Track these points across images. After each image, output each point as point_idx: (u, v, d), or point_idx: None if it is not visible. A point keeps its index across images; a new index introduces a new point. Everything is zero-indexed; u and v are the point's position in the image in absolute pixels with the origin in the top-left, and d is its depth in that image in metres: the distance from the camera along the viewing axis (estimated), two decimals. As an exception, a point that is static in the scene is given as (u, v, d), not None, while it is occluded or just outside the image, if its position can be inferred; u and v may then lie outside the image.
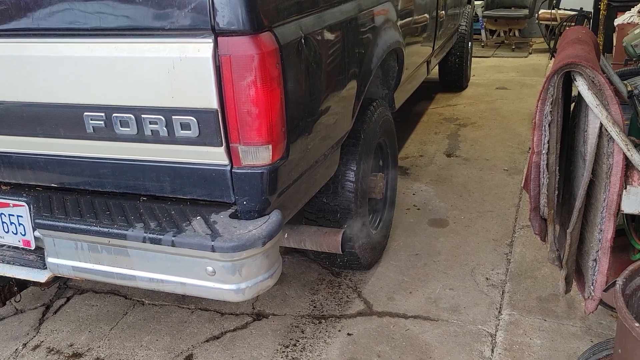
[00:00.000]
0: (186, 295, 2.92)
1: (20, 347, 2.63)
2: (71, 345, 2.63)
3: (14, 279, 2.20)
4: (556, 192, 1.88)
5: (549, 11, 8.00)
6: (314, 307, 2.81)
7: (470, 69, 6.75)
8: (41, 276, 2.03)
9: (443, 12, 4.65)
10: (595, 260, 1.81)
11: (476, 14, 8.43)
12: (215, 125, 1.75)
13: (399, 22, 3.22)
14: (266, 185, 1.83)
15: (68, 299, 2.98)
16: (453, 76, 6.30)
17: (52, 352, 2.59)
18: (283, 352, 2.51)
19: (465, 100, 6.18)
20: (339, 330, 2.63)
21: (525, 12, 8.64)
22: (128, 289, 3.01)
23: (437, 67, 6.02)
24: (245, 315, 2.77)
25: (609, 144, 1.66)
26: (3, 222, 2.11)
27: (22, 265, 2.08)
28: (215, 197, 1.91)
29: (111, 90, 1.81)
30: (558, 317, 2.61)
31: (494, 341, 2.49)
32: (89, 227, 1.87)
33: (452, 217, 3.61)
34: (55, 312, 2.88)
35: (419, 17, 3.83)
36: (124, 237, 1.83)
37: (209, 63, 1.69)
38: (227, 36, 1.68)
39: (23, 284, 2.29)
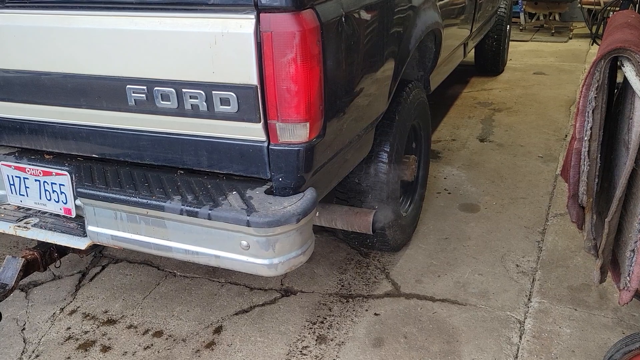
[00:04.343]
0: (216, 269, 2.98)
1: (58, 312, 2.73)
2: (106, 312, 2.71)
3: (55, 245, 2.27)
4: (596, 180, 1.85)
5: (593, -5, 7.74)
6: (342, 286, 2.83)
7: (507, 52, 6.60)
8: (81, 243, 2.10)
9: (482, -7, 4.56)
10: (633, 250, 1.78)
11: (516, -4, 8.22)
12: (254, 102, 1.77)
13: (438, 3, 3.16)
14: (302, 162, 1.85)
15: (103, 268, 3.07)
16: (489, 60, 6.18)
17: (88, 317, 2.68)
18: (310, 328, 2.55)
19: (501, 84, 6.06)
20: (366, 310, 2.65)
21: (567, -5, 8.39)
22: (161, 260, 3.09)
23: (473, 50, 5.92)
24: (274, 291, 2.82)
25: (655, 132, 1.62)
26: (46, 190, 2.18)
27: (63, 233, 2.15)
28: (252, 173, 1.93)
29: (153, 63, 1.83)
30: (589, 307, 2.58)
31: (522, 328, 2.48)
32: (128, 197, 1.92)
33: (483, 202, 3.58)
34: (91, 280, 2.97)
35: (458, -2, 3.76)
36: (162, 208, 1.87)
37: (250, 39, 1.69)
38: (269, 12, 1.68)
39: (63, 251, 2.36)
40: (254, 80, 1.74)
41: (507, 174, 3.95)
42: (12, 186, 2.25)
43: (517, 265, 2.92)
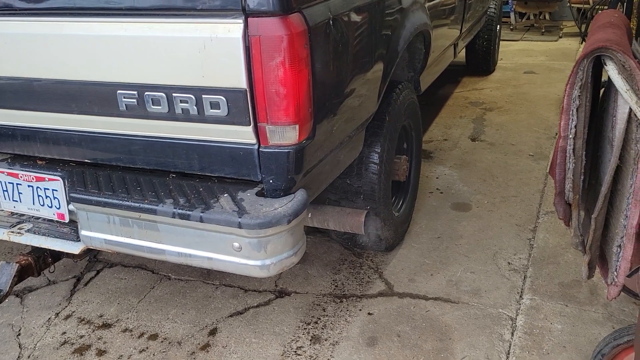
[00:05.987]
0: (211, 271, 3.00)
1: (53, 317, 2.74)
2: (101, 316, 2.72)
3: (49, 250, 2.29)
4: (582, 177, 1.88)
5: (582, -6, 7.81)
6: (336, 286, 2.85)
7: (498, 52, 6.66)
8: (75, 248, 2.11)
9: (472, -7, 4.60)
10: (619, 246, 1.81)
11: (506, -4, 8.27)
12: (243, 105, 1.79)
13: (427, 4, 3.19)
14: (292, 164, 1.87)
15: (98, 272, 3.08)
16: (480, 60, 6.23)
17: (83, 322, 2.69)
18: (305, 329, 2.57)
19: (492, 84, 6.11)
20: (360, 310, 2.67)
21: (557, -6, 8.46)
22: (155, 264, 3.10)
23: (464, 50, 5.95)
24: (268, 292, 2.84)
25: (638, 129, 1.64)
26: (39, 196, 2.19)
27: (57, 238, 2.16)
28: (243, 175, 1.95)
29: (144, 69, 1.85)
30: (580, 303, 2.61)
31: (514, 325, 2.51)
32: (121, 201, 1.93)
33: (475, 201, 3.61)
34: (86, 284, 2.98)
35: (447, -1, 3.79)
36: (154, 212, 1.89)
37: (239, 43, 1.71)
38: (257, 17, 1.70)
39: (57, 256, 2.37)
40: (243, 83, 1.76)
41: (499, 173, 3.99)
42: (5, 192, 2.26)
43: (509, 263, 2.95)
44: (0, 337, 2.61)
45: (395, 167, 2.93)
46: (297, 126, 1.81)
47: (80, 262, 3.14)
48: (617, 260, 1.83)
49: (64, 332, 2.63)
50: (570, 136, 1.80)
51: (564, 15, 9.11)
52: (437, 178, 3.96)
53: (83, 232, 2.07)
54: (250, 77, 1.75)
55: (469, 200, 3.62)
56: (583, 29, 7.12)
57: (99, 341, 2.56)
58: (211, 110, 1.83)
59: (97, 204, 1.96)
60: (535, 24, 8.92)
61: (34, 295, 2.92)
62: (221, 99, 1.80)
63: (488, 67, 6.33)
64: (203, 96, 1.82)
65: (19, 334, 2.63)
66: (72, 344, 2.55)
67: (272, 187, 1.91)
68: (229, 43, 1.72)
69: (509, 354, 2.35)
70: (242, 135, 1.86)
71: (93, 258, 3.20)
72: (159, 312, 2.73)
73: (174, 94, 1.85)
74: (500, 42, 6.93)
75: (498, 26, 6.32)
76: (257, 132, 1.84)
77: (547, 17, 8.98)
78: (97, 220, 2.02)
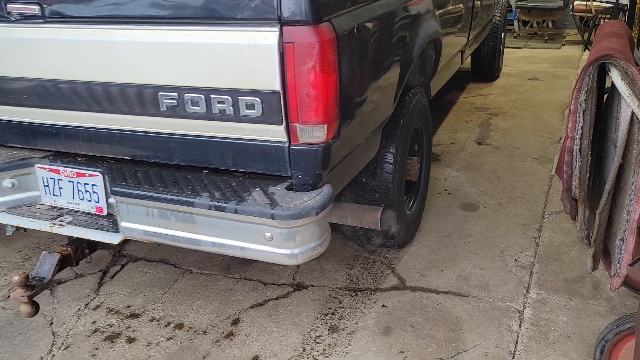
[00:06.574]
0: (231, 265, 3.14)
1: (83, 307, 2.88)
2: (128, 307, 2.87)
3: (86, 241, 2.43)
4: (587, 175, 2.02)
5: (584, 2, 7.95)
6: (351, 280, 2.99)
7: (502, 59, 6.79)
8: (114, 238, 2.26)
9: (479, 2, 4.75)
10: (622, 239, 1.94)
11: (510, 4, 8.43)
12: (277, 106, 1.94)
13: (438, 13, 3.35)
14: (320, 161, 2.02)
15: (123, 266, 3.22)
16: (485, 66, 6.37)
17: (112, 312, 2.84)
18: (323, 319, 2.71)
19: (496, 90, 6.25)
20: (374, 302, 2.81)
21: (560, 3, 8.60)
22: (177, 258, 3.24)
23: (469, 57, 6.10)
24: (287, 286, 2.98)
25: None
26: (79, 190, 2.34)
27: (97, 229, 2.31)
28: (273, 171, 2.10)
29: (184, 72, 2.01)
30: (584, 297, 2.75)
31: (521, 317, 2.64)
32: (160, 195, 2.08)
33: (482, 201, 3.75)
34: (112, 277, 3.12)
35: (456, 7, 3.95)
36: (191, 204, 2.03)
37: (274, 49, 1.87)
38: (291, 25, 1.86)
39: (93, 247, 2.52)
40: (277, 86, 1.92)
41: (505, 175, 4.13)
42: (47, 187, 2.41)
43: (516, 260, 3.09)
44: (34, 326, 2.75)
45: (407, 168, 3.07)
46: (325, 126, 1.96)
47: (105, 257, 3.29)
48: (620, 253, 1.97)
49: (94, 321, 2.77)
50: (577, 137, 1.94)
51: (566, 24, 9.26)
52: (445, 180, 4.10)
53: (123, 224, 2.21)
54: (284, 80, 1.91)
55: (476, 201, 3.77)
56: (585, 37, 7.27)
57: (128, 329, 2.70)
58: (246, 111, 1.98)
59: (138, 197, 2.11)
60: (538, 32, 9.08)
61: (63, 287, 3.06)
62: (256, 100, 1.95)
63: (493, 74, 6.48)
64: (239, 97, 1.97)
65: (52, 323, 2.77)
66: (103, 332, 2.69)
67: (300, 182, 2.06)
68: (265, 49, 1.88)
69: (517, 343, 2.49)
70: (274, 133, 2.01)
71: (117, 253, 3.34)
72: (183, 303, 2.87)
73: (211, 96, 2.00)
74: (505, 49, 7.07)
75: (502, 34, 6.47)
76: (288, 131, 1.99)
77: (550, 25, 9.14)
78: (136, 213, 2.16)
